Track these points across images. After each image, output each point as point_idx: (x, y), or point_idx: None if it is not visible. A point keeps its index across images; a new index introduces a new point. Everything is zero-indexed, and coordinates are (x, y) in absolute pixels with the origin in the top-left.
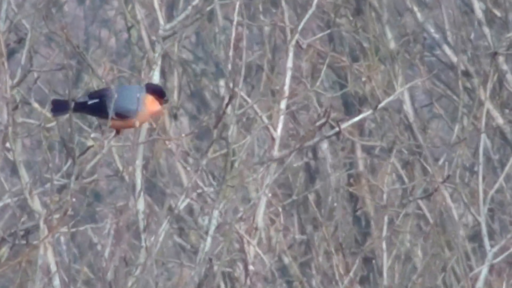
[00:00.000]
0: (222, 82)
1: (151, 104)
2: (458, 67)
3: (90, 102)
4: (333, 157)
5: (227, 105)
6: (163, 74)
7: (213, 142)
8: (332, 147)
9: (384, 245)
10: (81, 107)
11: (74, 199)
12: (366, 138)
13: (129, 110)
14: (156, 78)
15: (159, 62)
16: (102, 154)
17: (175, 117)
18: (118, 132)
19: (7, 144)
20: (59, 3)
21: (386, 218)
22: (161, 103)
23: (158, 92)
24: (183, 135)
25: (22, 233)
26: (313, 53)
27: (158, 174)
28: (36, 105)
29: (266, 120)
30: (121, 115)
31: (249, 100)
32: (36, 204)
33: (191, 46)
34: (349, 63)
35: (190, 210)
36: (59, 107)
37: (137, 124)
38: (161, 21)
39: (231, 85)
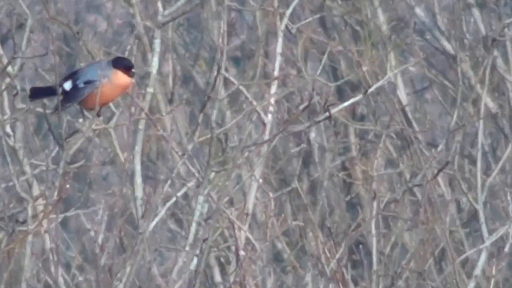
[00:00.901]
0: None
1: (118, 77)
2: (457, 54)
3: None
4: (327, 143)
5: (212, 89)
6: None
7: (198, 126)
8: (326, 132)
9: (373, 229)
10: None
11: (68, 186)
12: (360, 123)
13: (94, 79)
14: (155, 65)
15: (158, 49)
16: (84, 138)
17: (170, 101)
18: (98, 113)
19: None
20: None
21: (375, 204)
22: (129, 76)
23: (125, 65)
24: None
25: (16, 219)
26: (306, 39)
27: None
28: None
29: (258, 106)
30: (89, 83)
31: (235, 81)
32: (34, 190)
33: (184, 32)
34: (343, 48)
35: (185, 195)
36: (37, 93)
37: (107, 95)
38: (160, 7)
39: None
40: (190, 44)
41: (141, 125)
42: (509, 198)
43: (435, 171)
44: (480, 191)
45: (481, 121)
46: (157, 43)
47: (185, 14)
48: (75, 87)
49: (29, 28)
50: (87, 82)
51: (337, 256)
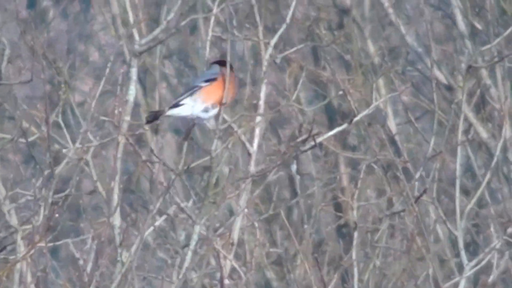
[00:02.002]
0: None
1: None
2: (432, 79)
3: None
4: (317, 172)
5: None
6: (144, 89)
7: (183, 156)
8: (317, 162)
9: (354, 257)
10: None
11: (57, 215)
12: (350, 152)
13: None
14: (132, 93)
15: (135, 77)
16: (72, 165)
17: (155, 131)
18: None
19: None
20: (45, 19)
21: (356, 234)
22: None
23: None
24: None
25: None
26: (294, 67)
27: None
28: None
29: (243, 136)
30: (209, 80)
31: (227, 118)
32: (13, 219)
33: (174, 60)
34: (332, 76)
35: (172, 224)
36: (152, 117)
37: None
38: (136, 36)
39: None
40: (180, 73)
41: (119, 154)
42: (492, 229)
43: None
44: (459, 218)
45: (459, 148)
46: (133, 71)
47: (160, 43)
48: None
49: (7, 58)
50: (207, 80)
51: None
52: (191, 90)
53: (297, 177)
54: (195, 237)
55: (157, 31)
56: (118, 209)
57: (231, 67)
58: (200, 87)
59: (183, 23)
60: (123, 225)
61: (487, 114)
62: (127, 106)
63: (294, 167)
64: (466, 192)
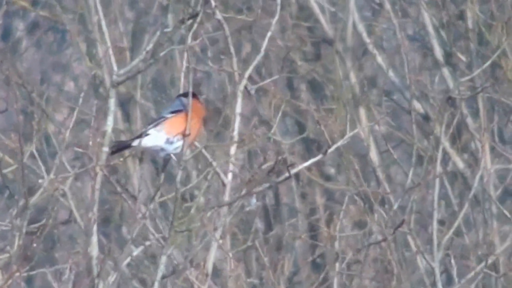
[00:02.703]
0: None
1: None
2: (411, 109)
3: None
4: (292, 202)
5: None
6: (127, 117)
7: (159, 187)
8: (295, 192)
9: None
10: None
11: (35, 245)
12: (330, 182)
13: (180, 108)
14: (110, 124)
15: (113, 108)
16: (41, 194)
17: (140, 160)
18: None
19: None
20: (18, 50)
21: (337, 265)
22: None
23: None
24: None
25: None
26: (272, 97)
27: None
28: None
29: (218, 166)
30: (175, 111)
31: (198, 145)
32: None
33: (151, 91)
34: (308, 106)
35: (151, 254)
36: (117, 147)
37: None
38: (115, 67)
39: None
40: (156, 103)
41: (97, 185)
42: (452, 261)
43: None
44: (436, 249)
45: (437, 180)
46: (112, 102)
47: (139, 73)
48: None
49: None
50: (173, 112)
51: None
52: (156, 121)
53: (257, 212)
54: (161, 267)
55: (135, 61)
56: (96, 239)
57: (198, 99)
58: (165, 118)
59: (161, 53)
60: (100, 256)
61: (463, 144)
62: (105, 137)
63: (253, 201)
64: (441, 222)
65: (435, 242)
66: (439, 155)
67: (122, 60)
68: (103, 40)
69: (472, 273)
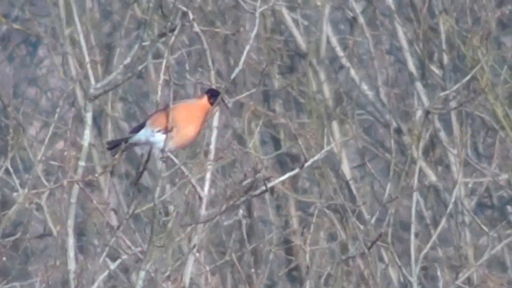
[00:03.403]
0: None
1: (201, 99)
2: (390, 125)
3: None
4: (266, 215)
5: (145, 163)
6: (99, 131)
7: (133, 200)
8: (269, 205)
9: None
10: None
11: (4, 258)
12: (304, 196)
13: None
14: (87, 138)
15: (90, 122)
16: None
17: (111, 173)
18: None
19: None
20: None
21: (308, 280)
22: (210, 101)
23: (213, 92)
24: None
25: None
26: (249, 111)
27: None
28: None
29: (194, 180)
30: None
31: (176, 161)
32: None
33: (125, 104)
34: (285, 120)
35: (125, 268)
36: (112, 143)
37: (183, 113)
38: (92, 80)
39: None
40: (129, 116)
41: (73, 199)
42: (439, 273)
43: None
44: (414, 264)
45: (415, 193)
46: (88, 116)
47: (117, 87)
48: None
49: None
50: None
51: None
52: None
53: (244, 222)
54: (140, 283)
55: (113, 75)
56: (73, 253)
57: (215, 98)
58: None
59: (139, 67)
60: (77, 270)
61: (436, 157)
62: (82, 151)
63: (240, 212)
64: (415, 234)
65: (413, 256)
66: (417, 169)
67: (94, 74)
68: (74, 53)
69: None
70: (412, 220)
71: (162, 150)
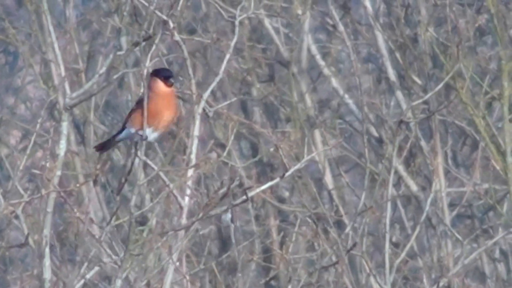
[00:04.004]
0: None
1: (157, 85)
2: (363, 132)
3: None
4: (246, 225)
5: (128, 172)
6: (82, 139)
7: (117, 210)
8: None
9: None
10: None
11: None
12: (285, 205)
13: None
14: (63, 148)
15: (65, 132)
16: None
17: (94, 182)
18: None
19: None
20: None
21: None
22: (167, 85)
23: (164, 75)
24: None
25: None
26: (229, 120)
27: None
28: None
29: (175, 189)
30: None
31: (154, 167)
32: None
33: (105, 113)
34: (264, 130)
35: (107, 276)
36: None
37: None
38: (68, 90)
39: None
40: (111, 124)
41: (49, 208)
42: (424, 281)
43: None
44: (388, 272)
45: (389, 204)
46: (64, 125)
47: (92, 96)
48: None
49: None
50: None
51: None
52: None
53: (232, 226)
54: None
55: (88, 84)
56: (49, 262)
57: (169, 78)
58: (129, 114)
59: (115, 76)
60: (53, 279)
61: (417, 167)
62: (58, 160)
63: (228, 215)
64: (396, 244)
65: (387, 265)
66: (391, 178)
67: (78, 82)
68: (56, 62)
69: None
70: (387, 229)
71: (144, 138)
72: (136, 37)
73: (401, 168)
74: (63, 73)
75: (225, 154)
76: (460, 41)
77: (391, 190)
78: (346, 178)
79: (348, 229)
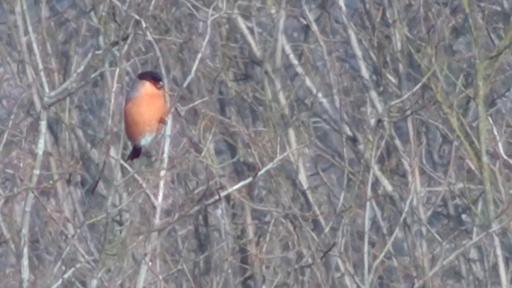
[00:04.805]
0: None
1: (145, 87)
2: (343, 133)
3: None
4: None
5: (101, 171)
6: (56, 139)
7: (89, 208)
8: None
9: None
10: None
11: None
12: (260, 204)
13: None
14: (41, 147)
15: (44, 130)
16: None
17: (68, 182)
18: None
19: None
20: None
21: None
22: (156, 87)
23: (152, 77)
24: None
25: None
26: (204, 119)
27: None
28: None
29: (148, 189)
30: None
31: (130, 169)
32: None
33: (80, 112)
34: (239, 128)
35: (82, 276)
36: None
37: (140, 110)
38: (46, 88)
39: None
40: (88, 125)
41: (28, 207)
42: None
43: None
44: (367, 273)
45: (368, 204)
46: (43, 124)
47: (70, 95)
48: None
49: None
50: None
51: None
52: None
53: (222, 222)
54: None
55: (66, 83)
56: (27, 262)
57: (157, 80)
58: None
59: (93, 75)
60: (32, 278)
61: (392, 166)
62: (36, 159)
63: (219, 212)
64: (371, 244)
65: (366, 265)
66: (370, 178)
67: (50, 82)
68: (32, 62)
69: None
70: (366, 229)
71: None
72: (113, 37)
73: (376, 168)
74: (41, 73)
75: (203, 154)
76: (439, 42)
77: (369, 190)
78: (324, 177)
79: (327, 230)
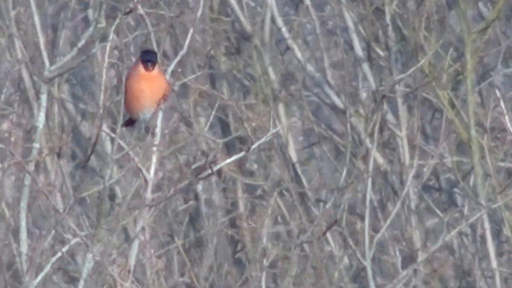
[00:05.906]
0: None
1: (138, 68)
2: (345, 109)
3: None
4: (217, 198)
5: (94, 145)
6: (46, 113)
7: (81, 182)
8: (216, 188)
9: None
10: None
11: None
12: (250, 178)
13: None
14: (41, 120)
15: (44, 104)
16: None
17: (58, 155)
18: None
19: None
20: None
21: (265, 261)
22: (144, 67)
23: (144, 58)
24: None
25: None
26: (195, 93)
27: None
28: None
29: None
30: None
31: (124, 146)
32: None
33: (71, 86)
34: (231, 102)
35: (70, 251)
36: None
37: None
38: (46, 62)
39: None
40: (78, 99)
41: (27, 181)
42: (397, 253)
43: (324, 228)
44: (368, 248)
45: (370, 178)
46: (43, 98)
47: (71, 70)
48: None
49: None
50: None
51: None
52: None
53: (203, 197)
54: (87, 265)
55: (67, 57)
56: (25, 235)
57: (147, 61)
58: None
59: (93, 50)
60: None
61: (384, 140)
62: (36, 133)
63: (199, 187)
64: (361, 218)
65: (367, 240)
66: (372, 154)
67: (37, 56)
68: (19, 35)
69: (404, 273)
70: (367, 204)
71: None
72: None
73: (367, 141)
74: (42, 45)
75: (201, 127)
76: (428, 16)
77: (371, 166)
78: (319, 152)
79: (328, 205)
